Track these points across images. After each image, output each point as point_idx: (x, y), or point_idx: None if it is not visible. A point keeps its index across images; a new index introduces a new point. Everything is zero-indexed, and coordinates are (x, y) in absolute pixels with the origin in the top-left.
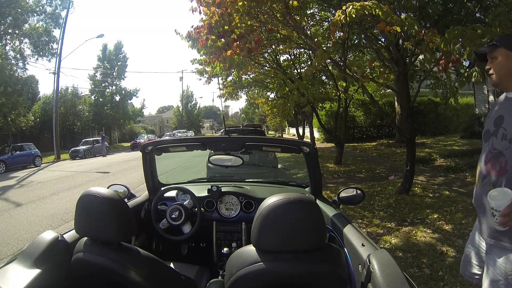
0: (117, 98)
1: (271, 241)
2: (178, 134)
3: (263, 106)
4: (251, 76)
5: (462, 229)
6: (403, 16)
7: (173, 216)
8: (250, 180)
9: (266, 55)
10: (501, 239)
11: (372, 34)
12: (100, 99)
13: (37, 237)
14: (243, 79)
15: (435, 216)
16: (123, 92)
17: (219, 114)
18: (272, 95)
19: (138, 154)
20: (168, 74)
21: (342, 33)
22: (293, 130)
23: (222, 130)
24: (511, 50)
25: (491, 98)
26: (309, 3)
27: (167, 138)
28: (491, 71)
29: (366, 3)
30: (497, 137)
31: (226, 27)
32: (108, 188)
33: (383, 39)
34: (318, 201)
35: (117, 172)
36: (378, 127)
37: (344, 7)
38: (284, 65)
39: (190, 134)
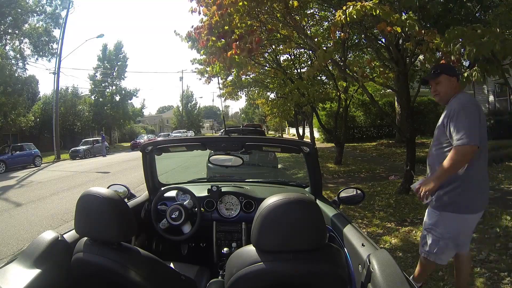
0: (117, 98)
1: (271, 241)
2: (173, 135)
3: (263, 106)
4: (251, 76)
5: None
6: (404, 16)
7: (173, 216)
8: (250, 180)
9: (266, 55)
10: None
11: (372, 34)
12: (100, 99)
13: (37, 237)
14: (243, 79)
15: None
16: (123, 92)
17: (219, 114)
18: (272, 95)
19: (138, 154)
20: (168, 74)
21: (342, 33)
22: (293, 130)
23: (222, 130)
24: (450, 75)
25: (491, 98)
26: (309, 3)
27: (163, 138)
28: (437, 92)
29: (367, 3)
30: (433, 139)
31: (226, 27)
32: (108, 188)
33: (383, 39)
34: (318, 201)
35: (117, 172)
36: (378, 127)
37: (344, 7)
38: (284, 65)
39: (190, 134)
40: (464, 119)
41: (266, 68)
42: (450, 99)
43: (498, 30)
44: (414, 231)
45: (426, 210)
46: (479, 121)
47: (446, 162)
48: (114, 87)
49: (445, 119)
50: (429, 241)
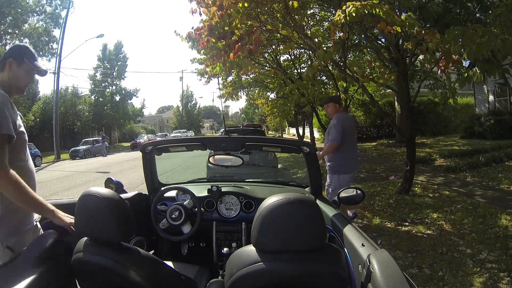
0: (117, 98)
1: (271, 241)
2: (172, 135)
3: (263, 106)
4: (251, 76)
5: (462, 229)
6: (403, 16)
7: (173, 216)
8: (250, 180)
9: (266, 55)
10: (329, 165)
11: (372, 34)
12: (100, 99)
13: (37, 237)
14: (243, 79)
15: (435, 216)
16: (123, 92)
17: (219, 114)
18: (272, 95)
19: (138, 154)
20: (168, 74)
21: (342, 33)
22: (293, 130)
23: (222, 130)
24: (335, 103)
25: (491, 98)
26: (309, 3)
27: (162, 138)
28: (327, 111)
29: (366, 2)
30: (328, 137)
31: (226, 28)
32: (105, 181)
33: (383, 39)
34: (318, 201)
35: (117, 172)
36: (378, 127)
37: (344, 7)
38: (284, 65)
39: (190, 134)
40: (334, 129)
41: (266, 68)
42: (334, 115)
43: (498, 30)
44: (414, 231)
45: (327, 176)
46: (342, 130)
47: (325, 148)
48: (114, 87)
49: (330, 127)
50: (330, 192)
